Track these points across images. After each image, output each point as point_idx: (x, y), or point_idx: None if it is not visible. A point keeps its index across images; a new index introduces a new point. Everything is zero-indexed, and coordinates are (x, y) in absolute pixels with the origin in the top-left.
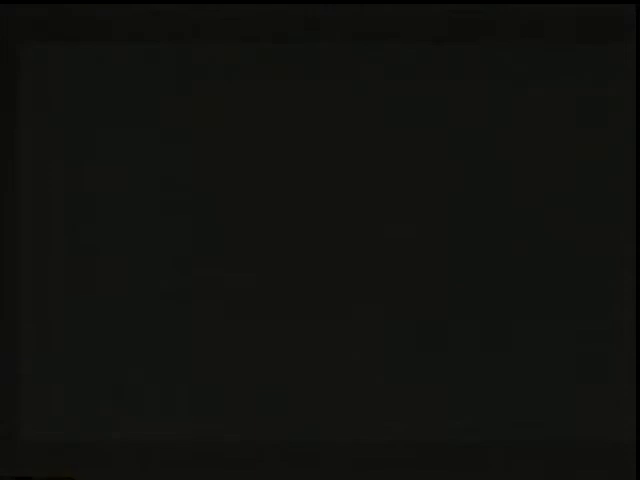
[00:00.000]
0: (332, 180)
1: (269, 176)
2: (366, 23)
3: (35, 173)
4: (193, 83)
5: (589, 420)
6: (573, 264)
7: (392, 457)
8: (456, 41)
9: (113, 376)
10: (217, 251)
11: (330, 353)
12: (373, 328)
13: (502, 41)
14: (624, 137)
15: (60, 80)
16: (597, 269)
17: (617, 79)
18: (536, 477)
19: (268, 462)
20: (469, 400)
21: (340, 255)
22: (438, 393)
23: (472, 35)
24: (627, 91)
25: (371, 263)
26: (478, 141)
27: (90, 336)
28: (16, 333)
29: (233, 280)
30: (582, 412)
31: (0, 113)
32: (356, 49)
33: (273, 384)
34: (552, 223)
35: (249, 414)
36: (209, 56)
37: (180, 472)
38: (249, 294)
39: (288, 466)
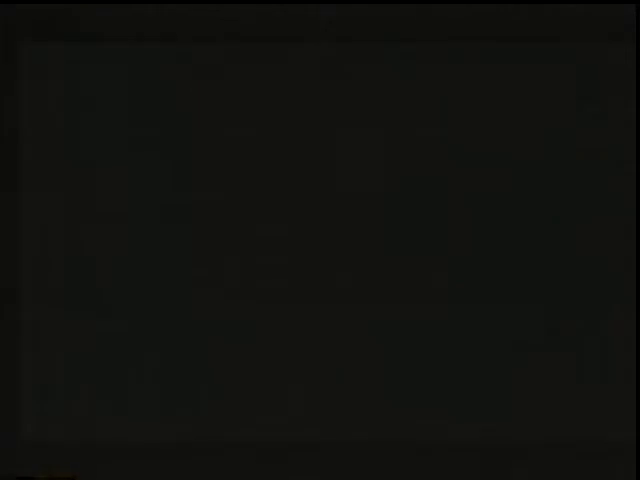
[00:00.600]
0: (332, 180)
1: (268, 175)
2: (366, 23)
3: (35, 173)
4: (193, 83)
5: (589, 420)
6: (573, 264)
7: (392, 457)
8: (456, 41)
9: (113, 376)
10: (215, 253)
11: (330, 353)
12: (373, 328)
13: (502, 41)
14: (624, 137)
15: (60, 80)
16: (597, 269)
17: (617, 79)
18: (536, 477)
19: (268, 462)
20: (469, 400)
21: (339, 255)
22: (438, 393)
23: (472, 35)
24: (627, 91)
25: (371, 263)
26: (478, 141)
27: (90, 336)
28: (16, 333)
29: (233, 280)
30: (582, 412)
31: (0, 113)
32: (356, 49)
33: (273, 384)
34: (552, 223)
35: (249, 414)
36: (209, 56)
37: (180, 472)
38: (249, 294)
39: (287, 466)
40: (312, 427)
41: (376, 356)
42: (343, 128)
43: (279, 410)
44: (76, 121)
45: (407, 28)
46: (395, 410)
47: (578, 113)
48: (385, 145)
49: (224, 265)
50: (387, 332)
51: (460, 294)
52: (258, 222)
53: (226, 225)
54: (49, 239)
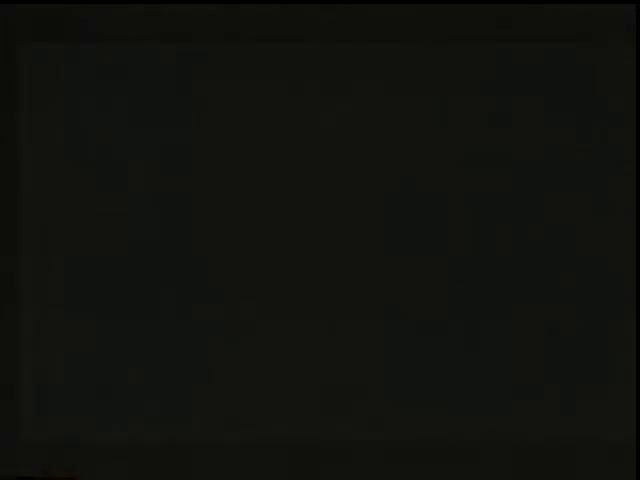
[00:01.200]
0: (332, 180)
1: (268, 175)
2: (366, 23)
3: (35, 173)
4: (193, 83)
5: (589, 420)
6: (573, 264)
7: (392, 457)
8: (456, 41)
9: (113, 376)
10: (215, 253)
11: (330, 353)
12: (372, 328)
13: (502, 41)
14: (624, 137)
15: (60, 80)
16: (597, 269)
17: (617, 79)
18: (536, 477)
19: (268, 462)
20: (469, 400)
21: (340, 255)
22: (438, 393)
23: (472, 35)
24: (627, 91)
25: (370, 264)
26: (478, 141)
27: (90, 336)
28: (16, 333)
29: (232, 281)
30: (582, 412)
31: (0, 113)
32: (356, 49)
33: (273, 384)
34: (552, 223)
35: (249, 414)
36: (209, 56)
37: (180, 472)
38: (249, 295)
39: (288, 466)
40: (312, 427)
41: (376, 356)
42: (343, 128)
43: (279, 410)
44: (76, 121)
45: (407, 28)
46: (395, 410)
47: (578, 113)
48: (385, 145)
49: (224, 265)
50: (387, 332)
51: (460, 294)
52: (258, 222)
53: (226, 225)
54: (49, 239)
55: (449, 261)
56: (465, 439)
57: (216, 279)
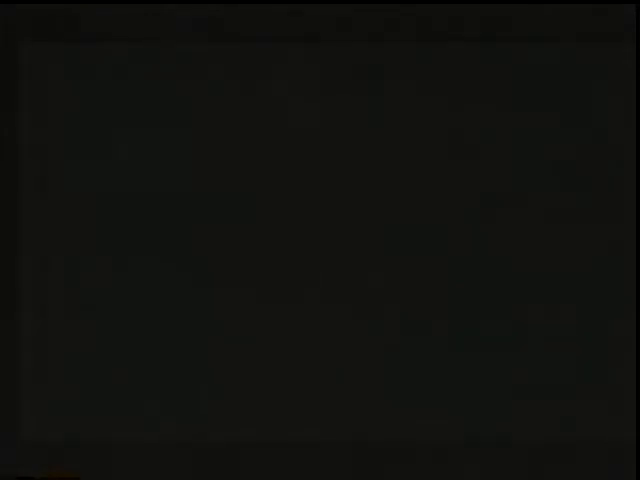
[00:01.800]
0: (332, 180)
1: (268, 175)
2: (366, 23)
3: (35, 173)
4: (193, 83)
5: (589, 420)
6: (573, 264)
7: (392, 457)
8: (456, 41)
9: (113, 376)
10: (215, 253)
11: (330, 353)
12: (373, 328)
13: (502, 41)
14: (624, 137)
15: (60, 80)
16: (597, 269)
17: (617, 79)
18: (536, 477)
19: (268, 462)
20: (469, 400)
21: (340, 255)
22: (438, 393)
23: (472, 35)
24: (627, 91)
25: (370, 263)
26: (477, 141)
27: (90, 336)
28: (16, 333)
29: (233, 280)
30: (582, 412)
31: (0, 113)
32: (356, 49)
33: (273, 384)
34: (552, 223)
35: (249, 414)
36: (209, 56)
37: (180, 472)
38: (249, 294)
39: (288, 466)
40: (312, 427)
41: (376, 356)
42: (343, 128)
43: (279, 410)
44: (76, 121)
45: (407, 28)
46: (395, 410)
47: (578, 113)
48: (385, 145)
49: (224, 265)
50: (387, 332)
51: (460, 293)
52: (258, 221)
53: (226, 225)
54: (49, 239)
55: (449, 261)
56: (465, 439)
57: (216, 279)
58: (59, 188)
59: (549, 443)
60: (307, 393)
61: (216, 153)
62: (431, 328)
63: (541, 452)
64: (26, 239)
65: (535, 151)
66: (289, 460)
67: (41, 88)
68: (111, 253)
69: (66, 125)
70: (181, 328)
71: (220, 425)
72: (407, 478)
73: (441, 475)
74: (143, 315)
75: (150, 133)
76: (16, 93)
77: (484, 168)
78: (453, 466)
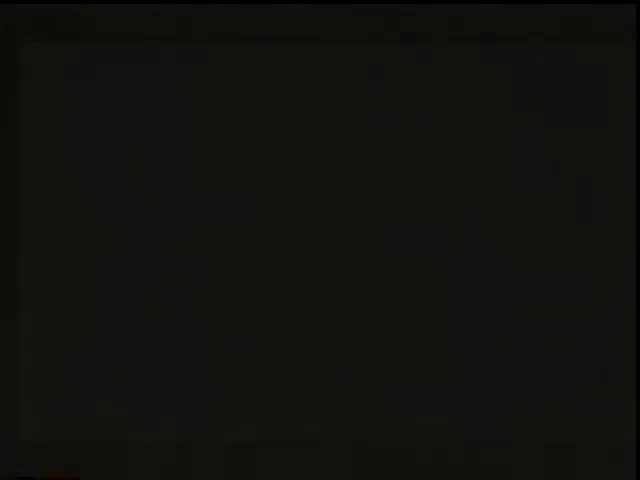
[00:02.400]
0: (332, 181)
1: (268, 176)
2: (366, 23)
3: (35, 173)
4: (193, 83)
5: (589, 420)
6: (573, 264)
7: (392, 457)
8: (456, 41)
9: (113, 376)
10: (215, 253)
11: (330, 353)
12: (373, 328)
13: (502, 41)
14: (624, 137)
15: (60, 80)
16: (597, 269)
17: (617, 79)
18: (536, 477)
19: (268, 462)
20: (469, 400)
21: (339, 256)
22: (438, 393)
23: (472, 35)
24: (627, 91)
25: (369, 265)
26: (477, 141)
27: (90, 336)
28: (16, 333)
29: (233, 280)
30: (582, 412)
31: (0, 113)
32: (356, 49)
33: (273, 384)
34: (552, 223)
35: (249, 414)
36: (209, 56)
37: (180, 472)
38: (249, 296)
39: (288, 466)
40: (312, 427)
41: (376, 356)
42: (343, 128)
43: (279, 410)
44: (76, 121)
45: (407, 28)
46: (395, 410)
47: (578, 113)
48: (385, 146)
49: (224, 265)
50: (387, 331)
51: (460, 293)
52: (258, 221)
53: (226, 225)
54: (49, 239)
55: (449, 261)
56: (464, 439)
57: (217, 279)
58: (59, 188)
59: (549, 443)
60: (307, 393)
61: (216, 153)
62: (431, 328)
63: (541, 452)
64: (26, 239)
65: (535, 151)
66: (289, 460)
67: (41, 88)
68: (111, 253)
69: (66, 125)
70: (181, 328)
71: (220, 425)
72: (407, 478)
73: (441, 475)
74: (143, 315)
75: (150, 133)
76: (16, 93)
77: (484, 168)
78: (453, 466)
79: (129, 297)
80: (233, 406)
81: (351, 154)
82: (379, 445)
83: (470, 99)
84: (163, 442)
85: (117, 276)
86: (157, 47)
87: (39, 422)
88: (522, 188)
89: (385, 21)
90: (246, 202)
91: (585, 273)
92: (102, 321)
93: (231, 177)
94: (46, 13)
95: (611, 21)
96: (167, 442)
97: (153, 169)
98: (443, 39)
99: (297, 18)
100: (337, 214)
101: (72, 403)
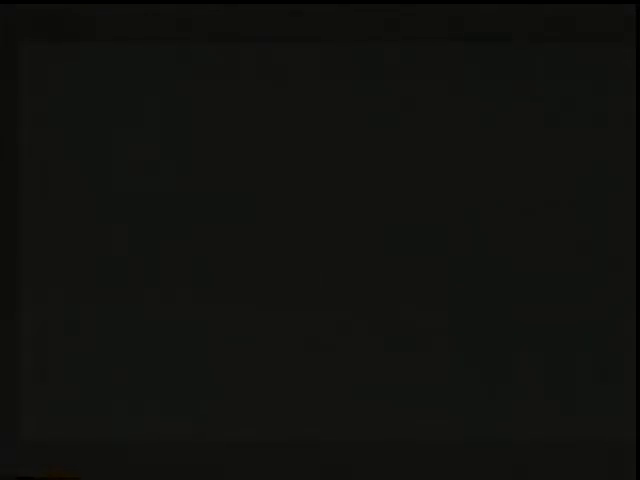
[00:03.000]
0: (332, 180)
1: (268, 175)
2: (366, 23)
3: (35, 173)
4: (193, 83)
5: (589, 420)
6: (573, 264)
7: (392, 457)
8: (456, 41)
9: (113, 376)
10: (216, 254)
11: (330, 353)
12: (372, 328)
13: (502, 41)
14: (624, 137)
15: (60, 80)
16: (597, 269)
17: (617, 79)
18: (536, 477)
19: (268, 462)
20: (469, 400)
21: (339, 257)
22: (438, 393)
23: (472, 35)
24: (627, 91)
25: (369, 265)
26: (477, 141)
27: (90, 336)
28: (16, 333)
29: (233, 281)
30: (582, 412)
31: (0, 113)
32: (356, 49)
33: (273, 384)
34: (552, 223)
35: (249, 414)
36: (209, 56)
37: (180, 472)
38: (249, 295)
39: (288, 466)
40: (312, 427)
41: (376, 356)
42: (343, 128)
43: (279, 410)
44: (76, 121)
45: (407, 28)
46: (395, 410)
47: (578, 113)
48: (384, 146)
49: (224, 266)
50: (387, 331)
51: (460, 293)
52: (258, 221)
53: (226, 225)
54: (49, 239)
55: (449, 261)
56: (464, 439)
57: (217, 279)
58: (59, 188)
59: (549, 443)
60: (307, 393)
61: (216, 153)
62: (431, 328)
63: (541, 452)
64: (26, 239)
65: (535, 151)
66: (289, 460)
67: (41, 88)
68: (111, 253)
69: (66, 125)
70: (181, 328)
71: (220, 425)
72: (407, 478)
73: (441, 475)
74: (143, 315)
75: (150, 133)
76: (16, 93)
77: (484, 168)
78: (453, 466)
79: (129, 297)
80: (233, 406)
81: (351, 154)
82: (379, 445)
83: (470, 99)
84: (163, 442)
85: (117, 276)
86: (157, 47)
87: (39, 422)
88: (522, 188)
89: (385, 21)
90: (246, 202)
91: (585, 273)
92: (102, 321)
93: (231, 177)
94: (46, 13)
95: (611, 21)
96: (167, 442)
97: (153, 169)
98: (443, 39)
99: (297, 18)
100: (337, 214)
101: (72, 403)
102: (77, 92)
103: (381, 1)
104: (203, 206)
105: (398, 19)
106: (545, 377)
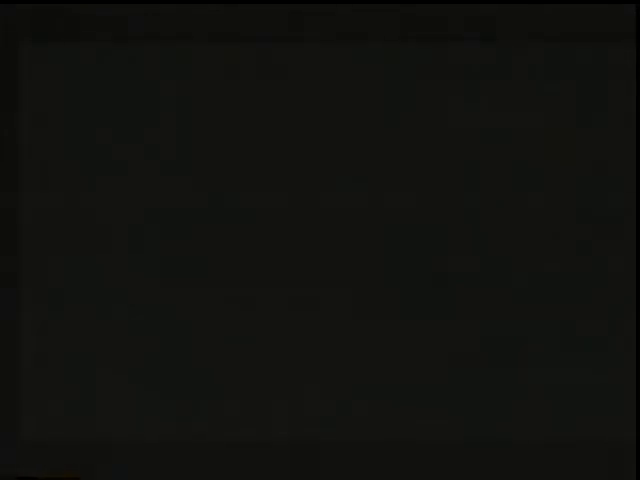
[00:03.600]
0: (332, 180)
1: (268, 175)
2: (365, 23)
3: (35, 173)
4: (193, 83)
5: (589, 420)
6: (572, 264)
7: (392, 457)
8: (456, 41)
9: (113, 376)
10: (216, 254)
11: (330, 353)
12: (373, 328)
13: (502, 41)
14: (624, 137)
15: (60, 80)
16: (597, 269)
17: (617, 79)
18: (536, 477)
19: (268, 462)
20: (469, 400)
21: (339, 258)
22: (438, 393)
23: (472, 35)
24: (627, 91)
25: (369, 264)
26: (477, 141)
27: (90, 336)
28: (16, 333)
29: (233, 281)
30: (582, 412)
31: (0, 113)
32: (356, 49)
33: (273, 384)
34: (552, 223)
35: (249, 414)
36: (209, 56)
37: (180, 472)
38: (248, 295)
39: (288, 466)
40: (312, 427)
41: (376, 356)
42: (342, 129)
43: (279, 410)
44: (76, 121)
45: (408, 28)
46: (395, 410)
47: (578, 113)
48: (384, 146)
49: (225, 266)
50: (387, 331)
51: (460, 293)
52: (258, 221)
53: (226, 225)
54: (49, 239)
55: (449, 261)
56: (464, 439)
57: (216, 279)
58: (59, 188)
59: (549, 443)
60: (307, 393)
61: (216, 153)
62: (431, 328)
63: (541, 452)
64: (26, 239)
65: (535, 151)
66: (289, 460)
67: (41, 88)
68: (111, 253)
69: (66, 125)
70: (181, 328)
71: (220, 425)
72: (407, 478)
73: (441, 475)
74: (143, 315)
75: (150, 133)
76: (16, 93)
77: (484, 168)
78: (453, 466)
79: (129, 297)
80: (233, 406)
81: (351, 154)
82: (379, 445)
83: (471, 99)
84: (163, 442)
85: (117, 276)
86: (157, 47)
87: (39, 422)
88: (522, 188)
89: (386, 21)
90: (246, 202)
91: (585, 273)
92: (102, 321)
93: (231, 177)
94: (46, 13)
95: (611, 21)
96: (167, 442)
97: (153, 169)
98: (443, 39)
99: (297, 18)
100: (337, 214)
101: (72, 403)
102: (77, 92)
103: (381, 1)
104: (203, 206)
105: (399, 19)
106: (545, 377)
